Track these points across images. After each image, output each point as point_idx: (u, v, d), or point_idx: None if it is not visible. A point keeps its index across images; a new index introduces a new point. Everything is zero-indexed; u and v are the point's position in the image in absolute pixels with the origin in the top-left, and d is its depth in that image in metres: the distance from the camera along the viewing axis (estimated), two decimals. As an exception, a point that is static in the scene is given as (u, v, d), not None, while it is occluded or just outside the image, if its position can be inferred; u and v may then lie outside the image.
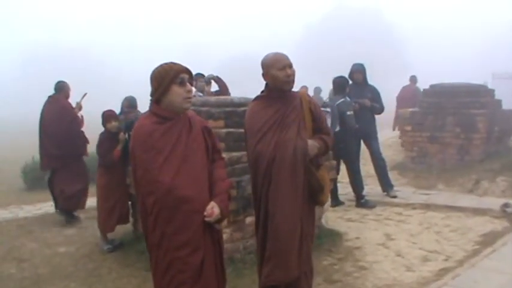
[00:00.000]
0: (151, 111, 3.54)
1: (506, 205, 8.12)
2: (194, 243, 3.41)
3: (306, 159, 4.05)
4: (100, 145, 6.86)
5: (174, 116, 3.48)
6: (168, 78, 3.40)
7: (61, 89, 8.58)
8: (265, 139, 4.02)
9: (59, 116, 8.31)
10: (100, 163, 6.91)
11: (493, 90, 12.25)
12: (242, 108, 5.84)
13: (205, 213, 3.44)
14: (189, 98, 3.50)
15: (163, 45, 62.46)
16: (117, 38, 68.12)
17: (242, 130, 4.39)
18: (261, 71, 4.17)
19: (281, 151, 3.99)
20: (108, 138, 6.86)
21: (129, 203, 6.97)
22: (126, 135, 6.82)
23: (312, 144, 4.09)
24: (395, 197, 9.12)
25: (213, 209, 3.46)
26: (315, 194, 4.17)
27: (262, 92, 4.28)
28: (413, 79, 16.89)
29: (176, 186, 3.34)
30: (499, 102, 12.09)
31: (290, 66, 4.09)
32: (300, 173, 4.04)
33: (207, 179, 3.54)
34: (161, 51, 61.34)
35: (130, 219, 7.02)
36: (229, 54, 51.81)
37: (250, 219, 5.46)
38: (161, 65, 3.49)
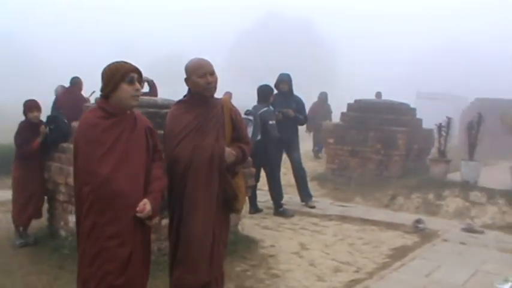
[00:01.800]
0: (98, 105, 3.70)
1: (418, 221, 8.48)
2: (124, 236, 3.53)
3: (222, 166, 4.13)
4: (18, 134, 6.68)
5: (120, 113, 3.64)
6: (118, 75, 3.58)
7: (76, 83, 10.82)
8: (184, 143, 4.07)
9: (76, 105, 8.91)
10: (16, 155, 6.74)
11: (414, 109, 12.77)
12: (165, 110, 5.86)
13: (137, 209, 3.56)
14: (137, 96, 3.67)
15: (93, 38, 61.35)
16: (45, 26, 66.28)
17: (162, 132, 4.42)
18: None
19: (198, 156, 4.05)
20: (27, 128, 6.69)
21: (45, 198, 6.83)
22: (47, 129, 6.68)
23: (229, 151, 4.17)
24: (313, 207, 9.33)
25: (145, 205, 3.59)
26: (229, 201, 4.25)
27: (184, 96, 4.33)
28: (322, 96, 16.62)
29: (113, 179, 3.48)
30: (420, 121, 12.61)
31: (211, 73, 4.15)
32: (216, 180, 4.11)
33: (144, 176, 3.69)
34: (90, 43, 60.19)
35: (46, 214, 6.87)
36: (160, 54, 51.37)
37: (165, 222, 5.47)
38: (113, 63, 3.67)
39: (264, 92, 8.73)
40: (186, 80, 4.22)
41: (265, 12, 52.02)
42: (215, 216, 4.13)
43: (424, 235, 8.02)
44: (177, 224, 4.13)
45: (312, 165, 12.18)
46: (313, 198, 9.68)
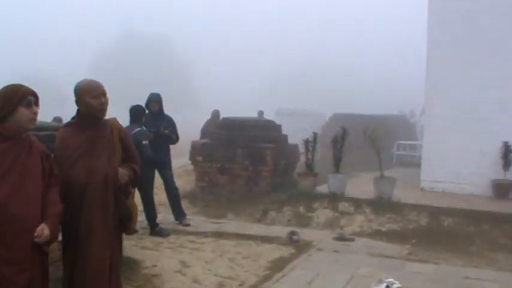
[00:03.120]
0: None
1: (292, 233, 8.84)
2: (22, 263, 3.46)
3: (116, 186, 4.15)
4: None
5: (15, 136, 3.59)
6: (15, 98, 3.55)
7: None
8: (77, 166, 4.05)
9: None
10: None
11: (280, 126, 13.27)
12: (43, 133, 5.69)
13: (35, 234, 3.51)
14: (35, 119, 3.66)
15: None
16: None
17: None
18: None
19: (92, 178, 4.05)
20: None
21: None
22: None
23: (123, 172, 4.22)
24: (188, 225, 9.42)
25: (43, 230, 3.54)
26: (124, 222, 4.27)
27: (73, 118, 4.30)
28: (214, 114, 17.42)
29: (9, 203, 3.41)
30: (286, 137, 13.11)
31: (104, 94, 4.20)
32: (111, 201, 4.14)
33: (40, 201, 3.64)
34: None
35: None
36: (20, 72, 48.83)
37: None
38: (8, 86, 3.63)
39: (136, 112, 8.74)
40: (76, 101, 4.21)
41: (123, 31, 51.39)
42: (112, 238, 4.15)
43: (299, 246, 8.38)
44: (74, 246, 4.06)
45: (180, 183, 12.20)
46: (188, 217, 9.77)
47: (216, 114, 17.27)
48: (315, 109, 29.99)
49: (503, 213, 9.77)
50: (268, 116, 20.38)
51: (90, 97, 4.12)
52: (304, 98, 35.04)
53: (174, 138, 9.39)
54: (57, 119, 12.25)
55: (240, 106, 21.06)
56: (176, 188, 9.68)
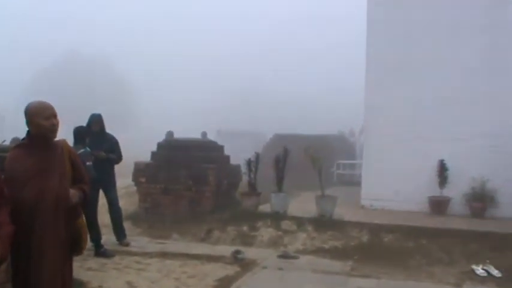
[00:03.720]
0: None
1: (237, 252, 8.99)
2: None
3: (67, 207, 4.21)
4: None
5: None
6: None
7: None
8: (28, 187, 4.10)
9: None
10: None
11: (222, 146, 13.44)
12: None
13: None
14: None
15: None
16: None
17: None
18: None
19: (43, 199, 4.11)
20: None
21: None
22: None
23: (73, 193, 4.30)
24: (128, 244, 9.45)
25: None
26: (74, 242, 4.34)
27: (23, 139, 4.35)
28: (169, 134, 17.82)
29: None
30: (228, 157, 13.28)
31: (55, 116, 4.28)
32: (62, 221, 4.20)
33: None
34: None
35: None
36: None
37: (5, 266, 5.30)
38: None
39: (80, 133, 8.73)
40: (27, 122, 4.26)
41: (63, 52, 50.59)
42: (63, 259, 4.21)
43: (244, 265, 8.52)
44: (25, 268, 4.10)
45: (123, 205, 12.16)
46: (130, 237, 9.80)
47: (170, 134, 17.54)
48: (256, 129, 30.38)
49: (440, 229, 10.20)
50: (210, 136, 20.59)
51: (41, 118, 4.19)
52: (245, 119, 35.42)
53: (115, 159, 9.41)
54: (15, 140, 12.06)
55: (181, 127, 21.12)
56: (120, 209, 9.70)
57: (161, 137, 13.27)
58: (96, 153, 8.91)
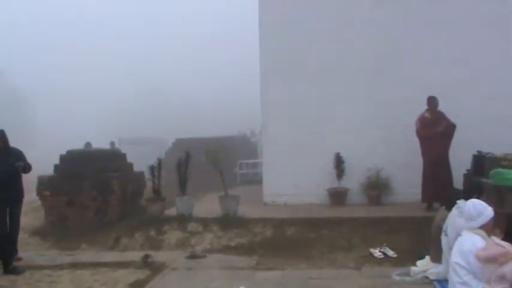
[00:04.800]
0: None
1: (146, 256, 9.34)
2: None
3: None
4: None
5: None
6: None
7: None
8: None
9: None
10: None
11: (125, 154, 13.67)
12: None
13: None
14: None
15: None
16: None
17: None
18: None
19: None
20: None
21: None
22: None
23: None
24: (20, 259, 9.53)
25: None
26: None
27: None
28: (88, 146, 18.04)
29: None
30: (131, 165, 13.53)
31: None
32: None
33: None
34: None
35: None
36: None
37: None
38: None
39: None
40: None
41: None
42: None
43: (154, 268, 8.88)
44: None
45: (29, 220, 12.20)
46: (37, 252, 9.87)
47: (88, 145, 17.62)
48: (157, 136, 30.55)
49: (339, 218, 10.88)
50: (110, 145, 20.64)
51: None
52: (146, 125, 35.40)
53: (28, 168, 9.46)
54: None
55: (82, 137, 20.98)
56: (19, 225, 9.69)
57: (67, 148, 13.24)
58: (16, 165, 8.98)
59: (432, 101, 11.48)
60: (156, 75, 44.52)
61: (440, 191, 10.91)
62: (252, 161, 21.39)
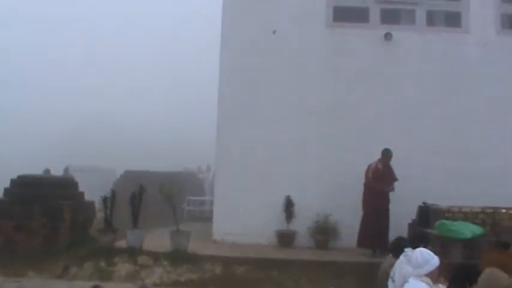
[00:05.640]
0: None
1: (95, 287, 9.37)
2: None
3: None
4: None
5: None
6: None
7: None
8: None
9: None
10: None
11: (77, 183, 13.72)
12: None
13: None
14: None
15: None
16: None
17: None
18: None
19: None
20: None
21: None
22: None
23: None
24: None
25: None
26: None
27: None
28: (46, 171, 17.94)
29: None
30: (82, 194, 13.59)
31: None
32: None
33: None
34: None
35: None
36: None
37: None
38: None
39: None
40: None
41: None
42: None
43: (104, 298, 8.95)
44: None
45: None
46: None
47: (47, 172, 17.72)
48: (105, 165, 30.36)
49: (288, 260, 11.25)
50: (58, 173, 20.43)
51: None
52: (94, 154, 35.11)
53: None
54: None
55: (29, 165, 20.76)
56: None
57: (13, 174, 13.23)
58: None
59: (387, 154, 12.07)
60: (106, 106, 44.33)
61: (376, 239, 11.52)
62: (199, 198, 21.54)
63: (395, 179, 12.15)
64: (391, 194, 12.15)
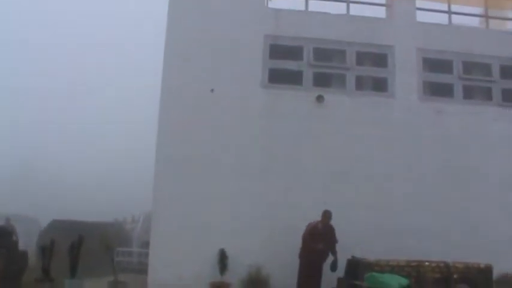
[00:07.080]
0: None
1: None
2: None
3: None
4: None
5: None
6: None
7: None
8: None
9: None
10: None
11: (11, 232, 13.74)
12: None
13: None
14: None
15: None
16: None
17: None
18: None
19: None
20: None
21: None
22: None
23: None
24: None
25: None
26: None
27: None
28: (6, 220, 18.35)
29: None
30: (17, 242, 13.60)
31: None
32: None
33: None
34: None
35: None
36: None
37: None
38: None
39: None
40: None
41: None
42: None
43: None
44: None
45: None
46: None
47: (8, 221, 18.36)
48: (28, 214, 29.95)
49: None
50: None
51: None
52: (16, 203, 34.44)
53: None
54: None
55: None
56: None
57: None
58: None
59: (327, 215, 12.79)
60: (31, 153, 43.66)
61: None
62: (128, 249, 21.66)
63: (335, 241, 12.73)
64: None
